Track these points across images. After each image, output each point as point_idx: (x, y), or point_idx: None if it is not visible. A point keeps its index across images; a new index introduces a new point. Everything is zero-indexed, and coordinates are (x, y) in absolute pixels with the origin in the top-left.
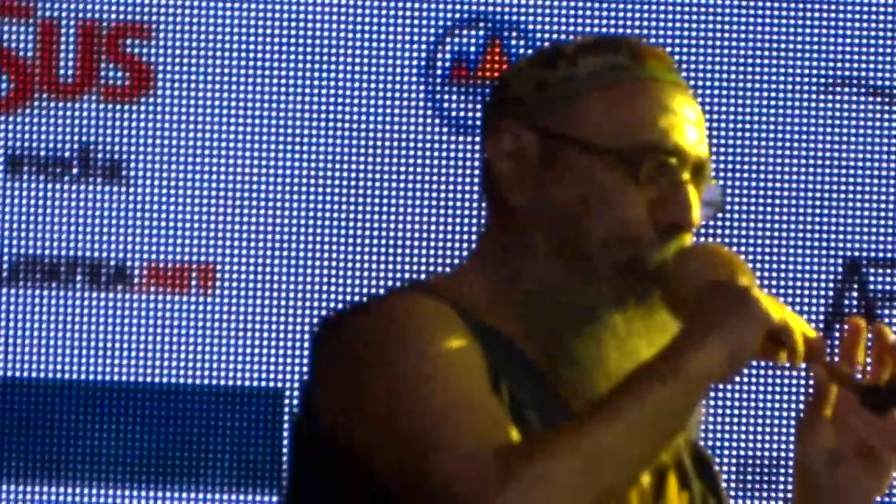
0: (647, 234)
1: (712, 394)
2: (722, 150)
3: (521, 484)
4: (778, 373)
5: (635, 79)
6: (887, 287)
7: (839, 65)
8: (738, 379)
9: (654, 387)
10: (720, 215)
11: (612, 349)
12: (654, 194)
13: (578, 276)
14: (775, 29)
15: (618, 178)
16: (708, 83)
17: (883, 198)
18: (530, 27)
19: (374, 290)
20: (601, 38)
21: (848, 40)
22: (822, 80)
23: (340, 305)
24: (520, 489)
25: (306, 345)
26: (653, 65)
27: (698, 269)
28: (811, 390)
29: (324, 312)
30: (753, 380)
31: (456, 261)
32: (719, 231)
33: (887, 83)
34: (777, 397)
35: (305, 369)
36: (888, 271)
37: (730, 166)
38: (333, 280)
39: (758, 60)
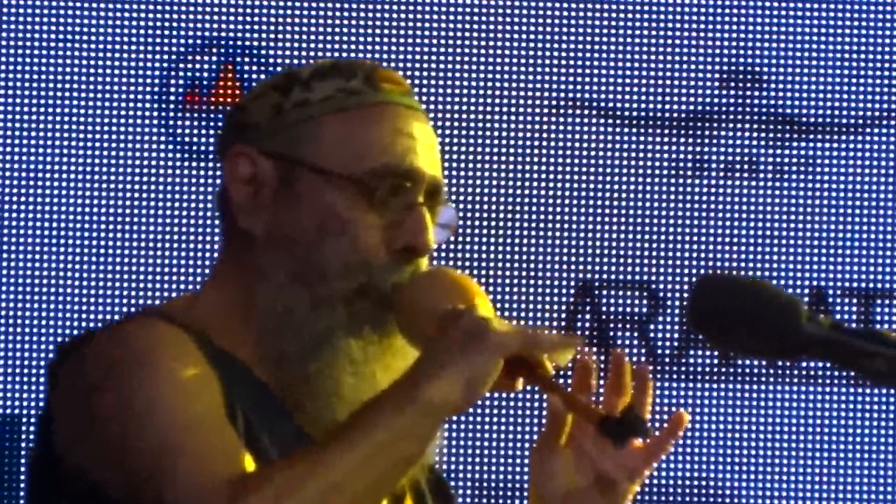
0: (381, 258)
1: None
2: (459, 171)
3: None
4: (513, 397)
5: (370, 103)
6: (619, 308)
7: (572, 87)
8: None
9: (390, 418)
10: (455, 237)
11: (347, 375)
12: (390, 218)
13: (314, 302)
14: (514, 52)
15: (353, 203)
16: (445, 105)
17: (615, 219)
18: (262, 52)
19: (113, 316)
20: (337, 63)
21: (580, 62)
22: (556, 102)
23: (77, 332)
24: None
25: (44, 371)
26: (388, 89)
27: (434, 294)
28: (546, 418)
29: (61, 339)
30: (488, 403)
31: (189, 286)
32: (453, 253)
33: (618, 104)
34: (513, 420)
35: (43, 396)
36: (620, 293)
37: (467, 188)
38: (73, 306)
39: (497, 84)
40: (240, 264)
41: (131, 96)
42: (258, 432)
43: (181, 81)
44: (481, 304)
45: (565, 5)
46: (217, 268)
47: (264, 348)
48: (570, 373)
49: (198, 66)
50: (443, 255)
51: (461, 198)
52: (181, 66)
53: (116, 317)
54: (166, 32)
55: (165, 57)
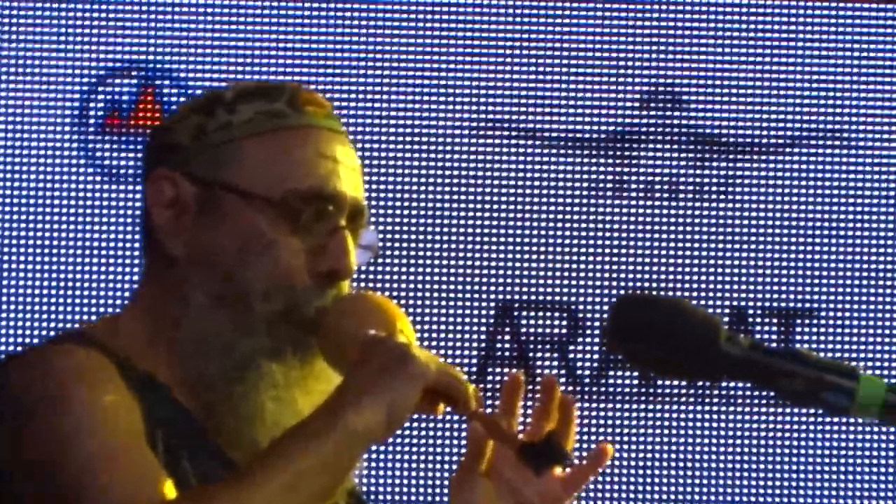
0: (304, 282)
1: None
2: (379, 192)
3: None
4: (434, 421)
5: (293, 126)
6: (539, 329)
7: (491, 108)
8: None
9: (311, 446)
10: (375, 259)
11: (269, 399)
12: (312, 242)
13: (236, 326)
14: (434, 73)
15: (275, 227)
16: (365, 126)
17: (535, 240)
18: (182, 75)
19: (33, 340)
20: (261, 85)
21: (500, 83)
22: (476, 123)
23: None
24: None
25: None
26: (311, 112)
27: (356, 319)
28: (467, 444)
29: None
30: (409, 426)
31: (110, 308)
32: (373, 275)
33: (538, 125)
34: (434, 444)
35: None
36: (540, 314)
37: (386, 209)
38: None
39: (418, 104)
40: (161, 287)
41: (51, 119)
42: (179, 455)
43: (101, 104)
44: (403, 328)
45: (485, 26)
46: (139, 291)
47: (186, 371)
48: (497, 393)
49: (117, 88)
50: (363, 276)
51: (381, 219)
52: (101, 88)
53: (35, 341)
54: (86, 55)
55: (85, 80)
